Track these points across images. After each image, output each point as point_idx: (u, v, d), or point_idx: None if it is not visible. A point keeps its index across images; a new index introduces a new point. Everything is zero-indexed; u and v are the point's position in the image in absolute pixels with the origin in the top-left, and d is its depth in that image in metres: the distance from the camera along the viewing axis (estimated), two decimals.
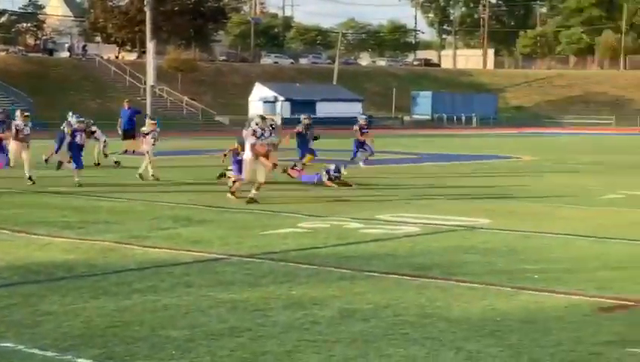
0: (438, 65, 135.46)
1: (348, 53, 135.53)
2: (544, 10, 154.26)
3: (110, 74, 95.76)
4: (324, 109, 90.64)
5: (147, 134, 26.77)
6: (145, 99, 72.83)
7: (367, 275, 11.92)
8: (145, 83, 79.59)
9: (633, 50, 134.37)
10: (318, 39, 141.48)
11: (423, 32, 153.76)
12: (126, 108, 36.72)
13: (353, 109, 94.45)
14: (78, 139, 25.28)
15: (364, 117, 31.91)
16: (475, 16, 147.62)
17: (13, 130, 25.84)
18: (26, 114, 26.48)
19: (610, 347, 8.44)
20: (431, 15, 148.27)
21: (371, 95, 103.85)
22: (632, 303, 10.28)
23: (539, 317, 9.56)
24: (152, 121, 27.49)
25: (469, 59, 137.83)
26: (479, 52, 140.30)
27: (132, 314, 9.59)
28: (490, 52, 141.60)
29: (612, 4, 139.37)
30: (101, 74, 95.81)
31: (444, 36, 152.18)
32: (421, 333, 8.88)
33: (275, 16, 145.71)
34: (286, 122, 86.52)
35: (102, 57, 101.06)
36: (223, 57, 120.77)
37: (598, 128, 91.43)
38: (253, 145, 20.80)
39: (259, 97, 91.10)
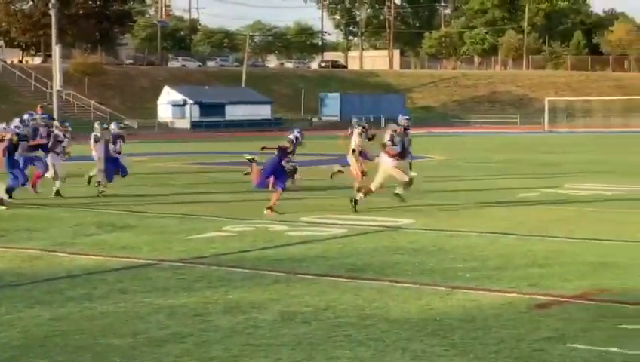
0: (345, 66, 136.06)
1: (255, 55, 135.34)
2: (448, 11, 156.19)
3: (14, 79, 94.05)
4: (233, 112, 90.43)
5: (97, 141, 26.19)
6: (52, 104, 71.67)
7: (301, 278, 11.91)
8: (51, 87, 78.35)
9: (535, 50, 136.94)
10: (225, 42, 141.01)
11: (329, 34, 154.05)
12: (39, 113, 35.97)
13: (262, 112, 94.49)
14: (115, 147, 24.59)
15: (406, 118, 27.81)
16: (381, 17, 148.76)
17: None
18: (66, 124, 25.54)
19: (552, 343, 8.56)
20: (337, 17, 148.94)
21: (280, 97, 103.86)
22: (565, 299, 10.44)
23: (477, 316, 9.65)
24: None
25: (376, 60, 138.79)
26: (385, 53, 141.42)
27: (70, 323, 9.43)
28: (396, 53, 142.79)
29: (514, 5, 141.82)
30: (5, 79, 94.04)
31: (350, 38, 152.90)
32: (364, 335, 8.90)
33: (181, 19, 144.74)
34: (195, 125, 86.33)
35: (5, 62, 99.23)
36: (130, 61, 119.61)
37: (504, 127, 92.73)
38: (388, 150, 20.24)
39: (167, 100, 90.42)
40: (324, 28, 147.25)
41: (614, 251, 13.92)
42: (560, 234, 15.75)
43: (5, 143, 20.96)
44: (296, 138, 19.87)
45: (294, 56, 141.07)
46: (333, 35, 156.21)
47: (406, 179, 20.40)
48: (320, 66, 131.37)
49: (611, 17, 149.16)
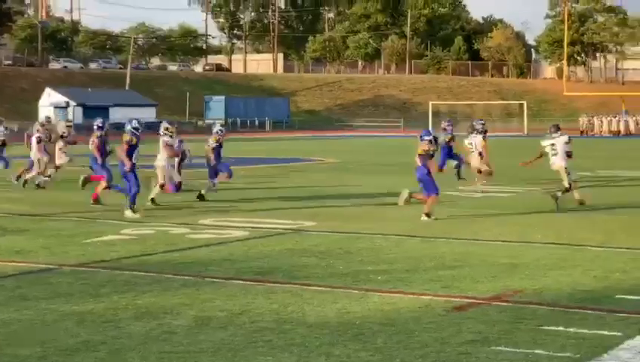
0: (229, 70, 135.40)
1: (139, 57, 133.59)
2: (332, 15, 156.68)
3: None
4: (117, 114, 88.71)
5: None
6: None
7: (210, 281, 11.55)
8: None
9: (418, 55, 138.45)
10: (107, 44, 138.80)
11: (213, 37, 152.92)
12: None
13: (147, 114, 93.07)
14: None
15: (481, 122, 26.99)
16: (265, 21, 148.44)
17: None
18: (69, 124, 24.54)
19: (476, 346, 8.39)
20: (221, 20, 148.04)
21: (165, 100, 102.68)
22: (481, 301, 10.32)
23: (397, 319, 9.44)
24: None
25: (260, 63, 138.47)
26: (269, 57, 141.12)
27: None
28: (280, 57, 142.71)
29: (397, 10, 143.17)
30: None
31: (234, 41, 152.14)
32: (285, 340, 8.60)
33: (61, 20, 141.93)
34: (78, 128, 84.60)
35: None
36: (9, 62, 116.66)
37: (388, 131, 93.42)
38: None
39: (49, 102, 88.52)
40: (208, 31, 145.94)
41: (520, 252, 13.91)
42: (465, 236, 15.70)
43: None
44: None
45: (178, 58, 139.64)
46: (217, 38, 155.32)
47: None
48: (204, 69, 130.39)
49: (490, 24, 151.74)
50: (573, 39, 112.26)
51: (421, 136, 18.67)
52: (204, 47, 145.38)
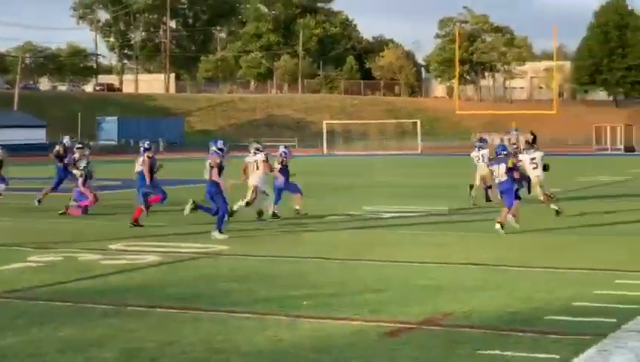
0: (120, 89, 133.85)
1: (27, 77, 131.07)
2: (224, 35, 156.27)
3: None
4: (4, 136, 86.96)
5: None
6: None
7: (131, 310, 11.17)
8: None
9: (310, 74, 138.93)
10: None
11: (104, 56, 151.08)
12: None
13: (36, 135, 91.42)
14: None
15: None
16: (156, 40, 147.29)
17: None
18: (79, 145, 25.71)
19: None
20: (111, 39, 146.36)
21: (55, 120, 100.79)
22: (413, 326, 10.18)
23: (331, 346, 9.23)
24: None
25: (152, 83, 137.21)
26: (161, 76, 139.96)
27: None
28: (172, 76, 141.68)
29: (288, 30, 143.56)
30: None
31: (125, 61, 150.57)
32: None
33: None
34: None
35: None
36: None
37: None
38: None
39: None
40: (99, 50, 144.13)
41: (441, 274, 13.85)
42: (382, 257, 15.61)
43: None
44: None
45: (68, 78, 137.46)
46: (108, 58, 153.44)
47: None
48: (95, 89, 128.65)
49: (381, 43, 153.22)
50: (463, 58, 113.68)
51: (505, 153, 20.02)
52: (95, 66, 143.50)
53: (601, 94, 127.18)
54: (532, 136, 26.66)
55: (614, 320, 10.21)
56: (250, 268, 14.68)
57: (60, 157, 27.20)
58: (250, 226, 21.09)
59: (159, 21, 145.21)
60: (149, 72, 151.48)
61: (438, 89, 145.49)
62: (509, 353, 8.87)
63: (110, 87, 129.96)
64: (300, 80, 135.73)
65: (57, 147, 28.00)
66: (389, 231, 19.99)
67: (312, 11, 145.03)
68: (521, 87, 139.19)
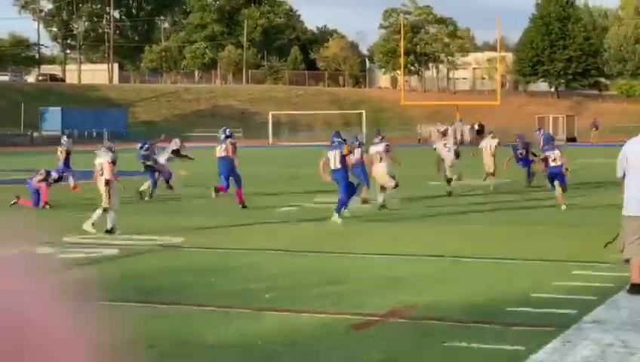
0: (63, 80, 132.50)
1: None
2: (167, 25, 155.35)
3: None
4: None
5: None
6: None
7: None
8: None
9: (254, 65, 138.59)
10: None
11: (46, 46, 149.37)
12: None
13: None
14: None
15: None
16: (99, 30, 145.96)
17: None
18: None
19: None
20: (54, 29, 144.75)
21: None
22: (378, 318, 10.22)
23: (298, 339, 9.26)
24: None
25: (95, 74, 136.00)
26: (104, 67, 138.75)
27: None
28: (116, 67, 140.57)
29: (233, 20, 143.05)
30: None
31: (68, 51, 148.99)
32: None
33: None
34: None
35: None
36: None
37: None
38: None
39: None
40: (41, 40, 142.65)
41: (399, 266, 13.93)
42: (339, 249, 15.65)
43: None
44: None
45: (10, 68, 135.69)
46: (50, 48, 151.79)
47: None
48: (37, 80, 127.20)
49: (325, 34, 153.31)
50: (407, 49, 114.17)
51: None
52: (37, 56, 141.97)
53: (542, 85, 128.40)
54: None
55: (575, 311, 10.33)
56: (208, 260, 14.67)
57: None
58: (202, 218, 21.04)
59: (102, 11, 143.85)
60: (93, 62, 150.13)
61: (382, 80, 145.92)
62: (474, 345, 8.95)
63: (53, 78, 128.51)
64: (244, 70, 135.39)
65: None
66: (343, 222, 20.00)
67: (256, 2, 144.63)
68: (464, 78, 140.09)
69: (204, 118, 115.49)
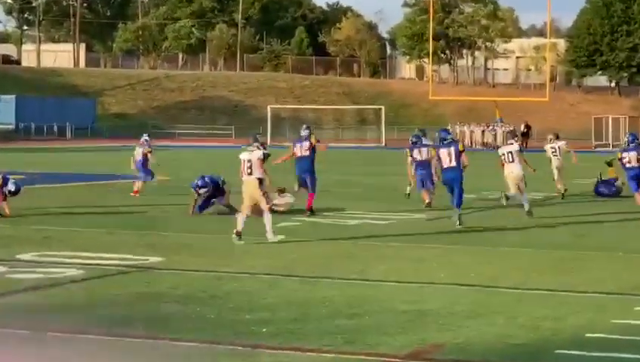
0: (19, 62, 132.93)
1: None
2: None
3: None
4: None
5: None
6: None
7: (53, 337, 11.14)
8: None
9: (251, 48, 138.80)
10: None
11: (0, 21, 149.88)
12: None
13: None
14: None
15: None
16: (64, 3, 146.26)
17: None
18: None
19: None
20: (9, 0, 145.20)
21: None
22: (399, 360, 10.25)
23: None
24: None
25: (58, 55, 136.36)
26: (69, 47, 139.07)
27: None
28: (82, 47, 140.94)
29: None
30: None
31: (25, 27, 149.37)
32: None
33: None
34: None
35: None
36: None
37: (217, 140, 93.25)
38: None
39: None
40: None
41: (423, 296, 13.96)
42: (351, 275, 15.68)
43: None
44: None
45: None
46: (4, 23, 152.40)
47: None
48: None
49: (337, 12, 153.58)
50: (436, 33, 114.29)
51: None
52: None
53: (600, 79, 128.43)
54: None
55: (637, 356, 10.36)
56: (191, 285, 14.70)
57: None
58: (182, 232, 21.13)
59: None
60: (55, 41, 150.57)
61: (406, 69, 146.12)
62: None
63: (6, 59, 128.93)
64: (238, 55, 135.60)
65: None
66: (356, 242, 20.05)
67: None
68: (506, 69, 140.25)
69: (189, 111, 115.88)
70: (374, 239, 20.59)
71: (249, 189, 19.64)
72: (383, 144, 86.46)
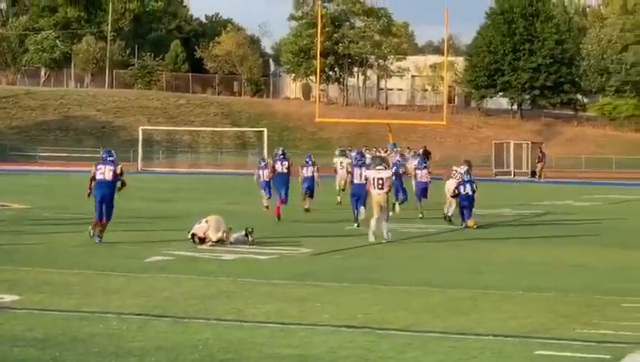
0: None
1: None
2: (4, 6, 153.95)
3: None
4: None
5: None
6: None
7: None
8: None
9: (121, 63, 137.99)
10: None
11: None
12: None
13: None
14: None
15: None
16: None
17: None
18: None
19: None
20: None
21: None
22: None
23: None
24: None
25: None
26: None
27: None
28: None
29: (93, 3, 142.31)
30: None
31: None
32: None
33: None
34: None
35: None
36: None
37: (82, 164, 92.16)
38: None
39: None
40: None
41: (306, 340, 13.96)
42: (228, 315, 15.67)
43: None
44: None
45: None
46: None
47: None
48: None
49: (216, 25, 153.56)
50: (325, 49, 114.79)
51: None
52: None
53: (501, 101, 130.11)
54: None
55: None
56: (50, 327, 14.54)
57: None
58: (42, 267, 20.92)
59: None
60: None
61: (291, 88, 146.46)
62: None
63: None
64: (107, 70, 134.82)
65: None
66: (231, 279, 20.02)
67: None
68: (400, 89, 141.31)
69: (52, 131, 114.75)
70: (254, 275, 20.59)
71: None
72: None
